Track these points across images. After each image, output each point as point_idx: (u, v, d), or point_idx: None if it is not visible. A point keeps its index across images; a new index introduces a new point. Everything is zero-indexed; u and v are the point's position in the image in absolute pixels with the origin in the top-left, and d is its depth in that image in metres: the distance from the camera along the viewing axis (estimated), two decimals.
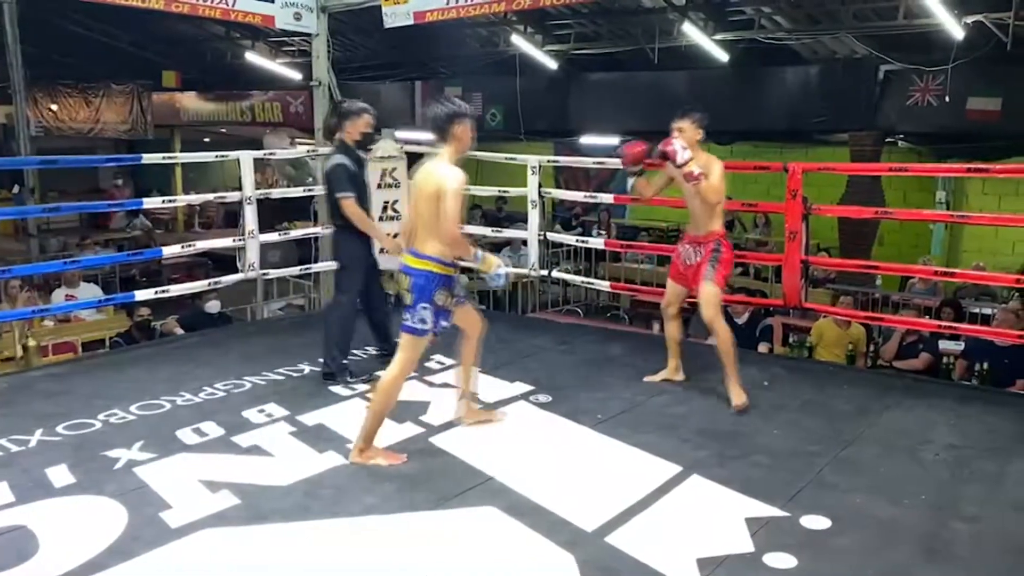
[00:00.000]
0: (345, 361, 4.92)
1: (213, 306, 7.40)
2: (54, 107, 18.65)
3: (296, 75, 15.22)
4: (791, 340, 7.60)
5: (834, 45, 10.83)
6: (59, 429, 4.12)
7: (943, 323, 6.23)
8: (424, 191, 3.69)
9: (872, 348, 6.95)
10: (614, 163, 6.90)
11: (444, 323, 3.82)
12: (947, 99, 9.59)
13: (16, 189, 15.48)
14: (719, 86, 11.93)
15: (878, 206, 8.64)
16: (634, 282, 9.55)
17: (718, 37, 10.95)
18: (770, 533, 3.11)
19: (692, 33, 10.69)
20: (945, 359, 6.61)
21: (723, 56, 11.34)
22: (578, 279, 7.45)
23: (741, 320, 7.13)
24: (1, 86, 15.36)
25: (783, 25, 10.57)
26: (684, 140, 4.47)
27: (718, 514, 3.28)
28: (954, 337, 6.58)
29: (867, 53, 10.22)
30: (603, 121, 12.98)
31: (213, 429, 4.12)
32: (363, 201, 4.90)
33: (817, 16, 10.19)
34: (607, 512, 3.24)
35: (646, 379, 4.89)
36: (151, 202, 7.53)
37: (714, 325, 4.58)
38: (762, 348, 6.96)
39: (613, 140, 13.51)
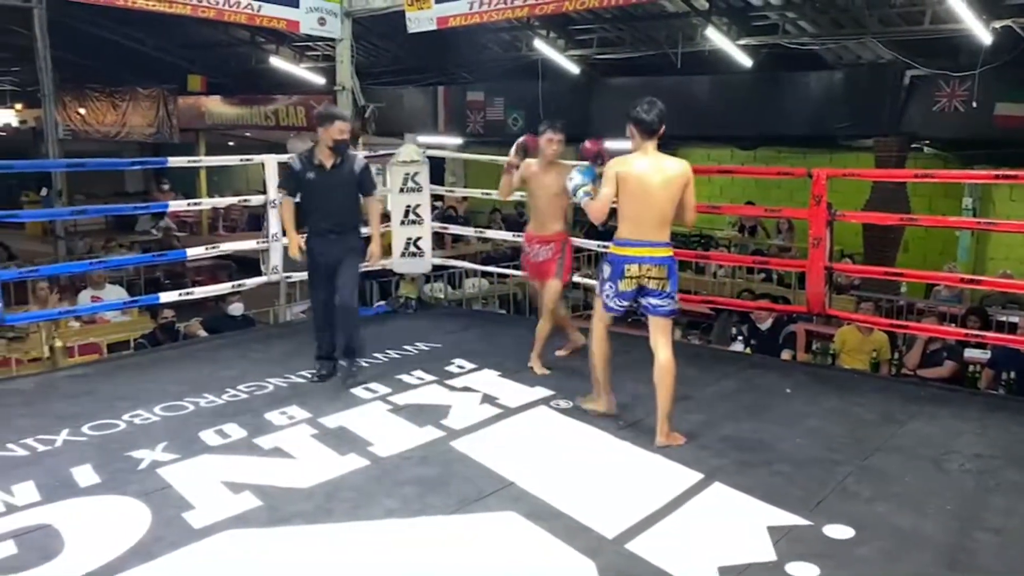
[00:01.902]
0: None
1: (236, 308, 7.46)
2: (82, 111, 18.94)
3: (320, 79, 15.32)
4: (814, 347, 7.55)
5: (859, 50, 10.75)
6: (84, 429, 4.17)
7: (969, 331, 6.16)
8: (674, 182, 4.01)
9: (896, 356, 6.88)
10: None
11: None
12: (974, 104, 9.49)
13: (44, 192, 15.71)
14: (742, 91, 11.89)
15: (903, 212, 8.57)
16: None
17: (742, 42, 10.91)
18: (792, 542, 3.08)
19: (715, 38, 10.66)
20: (971, 368, 6.54)
21: (747, 61, 11.30)
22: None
23: (764, 326, 7.09)
24: (31, 90, 15.62)
25: (807, 30, 10.52)
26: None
27: (740, 522, 3.25)
28: (980, 345, 6.50)
29: (892, 58, 10.13)
30: (625, 126, 12.94)
31: (235, 431, 4.15)
32: (316, 205, 4.84)
33: (842, 21, 10.12)
34: (628, 519, 3.23)
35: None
36: (176, 205, 7.62)
37: (546, 313, 5.12)
38: (785, 355, 6.92)
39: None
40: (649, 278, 4.01)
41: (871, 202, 10.06)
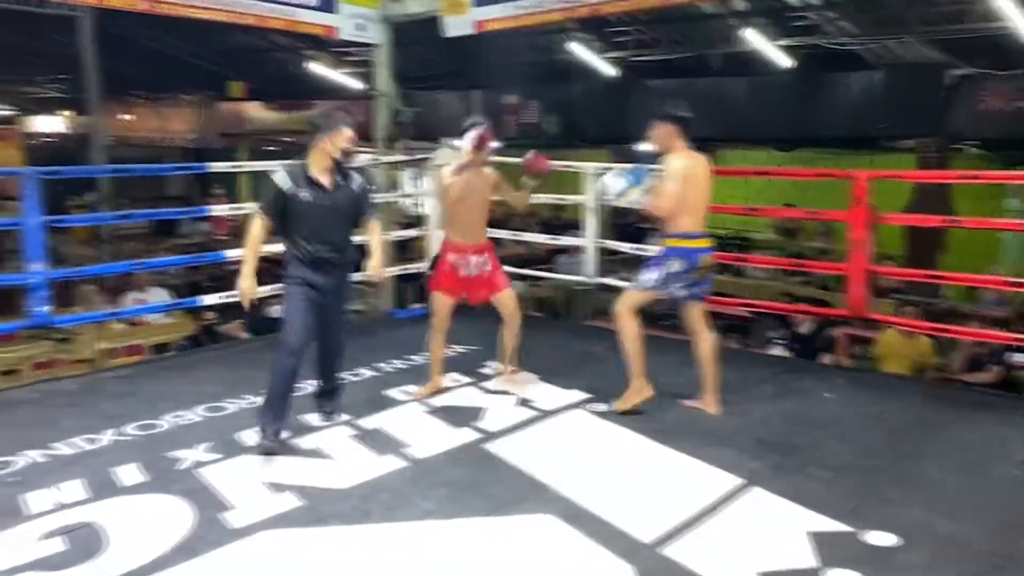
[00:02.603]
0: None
1: (276, 311, 7.55)
2: (126, 117, 19.34)
3: (357, 84, 15.48)
4: (854, 351, 7.45)
5: (900, 49, 10.60)
6: (129, 429, 4.26)
7: (1015, 335, 6.03)
8: (709, 177, 4.32)
9: (940, 360, 6.76)
10: None
11: None
12: (1019, 104, 9.29)
13: (89, 196, 16.02)
14: (781, 92, 11.79)
15: (946, 214, 8.42)
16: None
17: (780, 43, 10.82)
18: (833, 548, 3.04)
19: (754, 39, 10.58)
20: (1017, 372, 6.40)
21: (785, 62, 11.20)
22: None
23: (803, 330, 7.01)
24: (78, 97, 15.97)
25: (848, 30, 10.38)
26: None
27: (779, 527, 3.22)
28: None
29: (935, 57, 9.97)
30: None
31: None
32: (310, 229, 3.99)
33: (883, 20, 9.98)
34: (665, 523, 3.21)
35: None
36: (217, 209, 7.73)
37: (517, 318, 4.81)
38: (825, 359, 6.84)
39: None
40: (708, 266, 4.35)
41: (913, 204, 9.90)
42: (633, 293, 4.42)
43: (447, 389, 4.84)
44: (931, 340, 6.68)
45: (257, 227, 4.00)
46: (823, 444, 4.06)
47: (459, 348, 5.71)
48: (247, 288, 3.99)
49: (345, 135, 3.98)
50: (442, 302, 4.70)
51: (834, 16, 10.19)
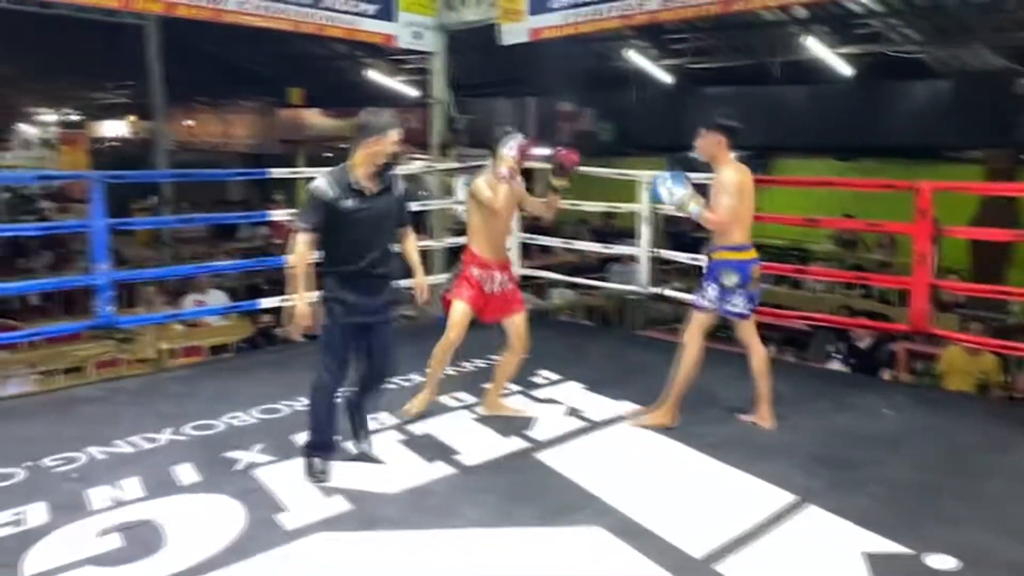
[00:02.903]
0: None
1: None
2: (189, 123, 19.85)
3: (413, 92, 15.64)
4: (916, 367, 7.25)
5: (967, 57, 10.31)
6: (186, 429, 4.34)
7: None
8: (753, 189, 4.25)
9: (1006, 379, 6.54)
10: None
11: None
12: None
13: (153, 200, 16.47)
14: (842, 100, 11.58)
15: (1014, 227, 8.15)
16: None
17: (842, 50, 10.62)
18: (890, 569, 2.96)
19: (814, 47, 10.41)
20: None
21: (847, 70, 10.98)
22: (690, 297, 7.30)
23: (863, 344, 6.85)
24: (143, 103, 16.43)
25: (912, 37, 10.14)
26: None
27: (834, 546, 3.14)
28: None
29: (1003, 66, 9.67)
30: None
31: None
32: (353, 241, 3.66)
33: (949, 28, 9.72)
34: (717, 539, 3.16)
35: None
36: (276, 214, 7.86)
37: (525, 343, 4.54)
38: (885, 375, 6.67)
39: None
40: (758, 278, 4.31)
41: (979, 216, 9.60)
42: (699, 317, 4.35)
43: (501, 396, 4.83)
44: (997, 357, 6.46)
45: (303, 244, 3.62)
46: (882, 461, 3.95)
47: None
48: (302, 313, 3.65)
49: (393, 137, 3.67)
50: (464, 314, 4.41)
51: (898, 23, 9.97)
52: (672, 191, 4.29)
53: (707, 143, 4.25)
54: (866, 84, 11.30)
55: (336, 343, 3.72)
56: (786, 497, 3.52)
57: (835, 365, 7.17)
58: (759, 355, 4.40)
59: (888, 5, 9.72)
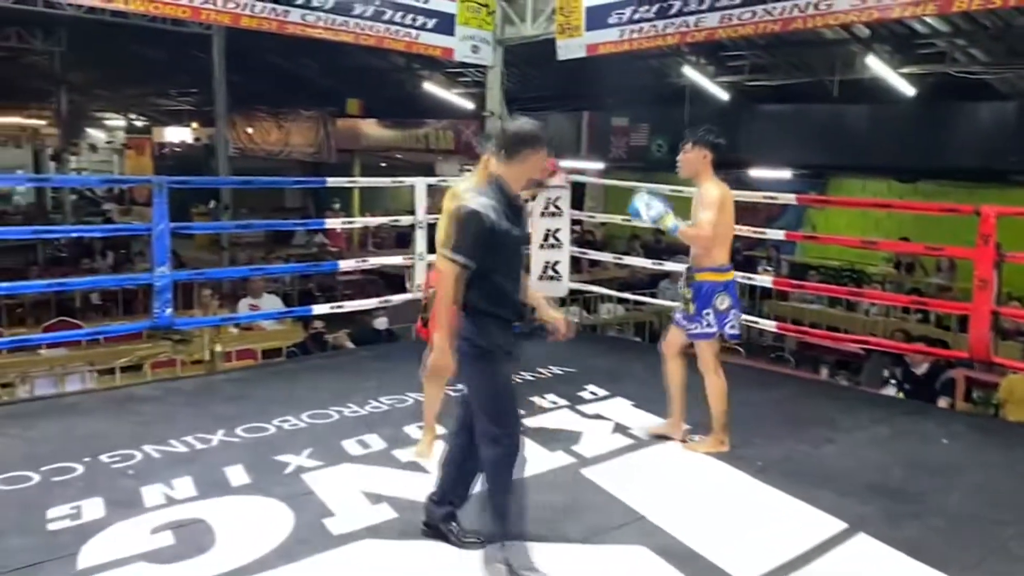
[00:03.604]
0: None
1: (381, 323, 7.73)
2: (249, 130, 20.30)
3: (469, 105, 15.77)
4: (975, 396, 7.04)
5: None
6: (238, 431, 4.42)
7: None
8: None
9: None
10: (786, 198, 6.71)
11: None
12: None
13: (212, 204, 16.89)
14: (903, 121, 11.36)
15: None
16: (802, 323, 9.20)
17: (905, 70, 10.43)
18: None
19: (876, 66, 10.24)
20: None
21: (909, 90, 10.78)
22: (742, 317, 7.20)
23: (920, 370, 6.68)
24: (206, 110, 16.86)
25: (979, 58, 9.91)
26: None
27: None
28: None
29: None
30: (774, 154, 12.62)
31: (376, 442, 4.29)
32: (510, 274, 3.11)
33: (1018, 48, 9.48)
34: (764, 564, 3.10)
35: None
36: (332, 223, 8.00)
37: None
38: (942, 403, 6.49)
39: (785, 174, 13.11)
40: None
41: None
42: (709, 345, 4.24)
43: (544, 410, 4.82)
44: None
45: (457, 281, 2.98)
46: (940, 492, 3.85)
47: (555, 369, 5.70)
48: (445, 364, 3.10)
49: (544, 154, 3.15)
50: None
51: (964, 43, 9.76)
52: (650, 205, 4.18)
53: (693, 158, 4.16)
54: (929, 104, 11.07)
55: (507, 398, 3.12)
56: (836, 524, 3.45)
57: (890, 391, 7.01)
58: (715, 384, 4.25)
59: (954, 25, 9.52)
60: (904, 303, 9.73)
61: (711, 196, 4.09)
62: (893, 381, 7.16)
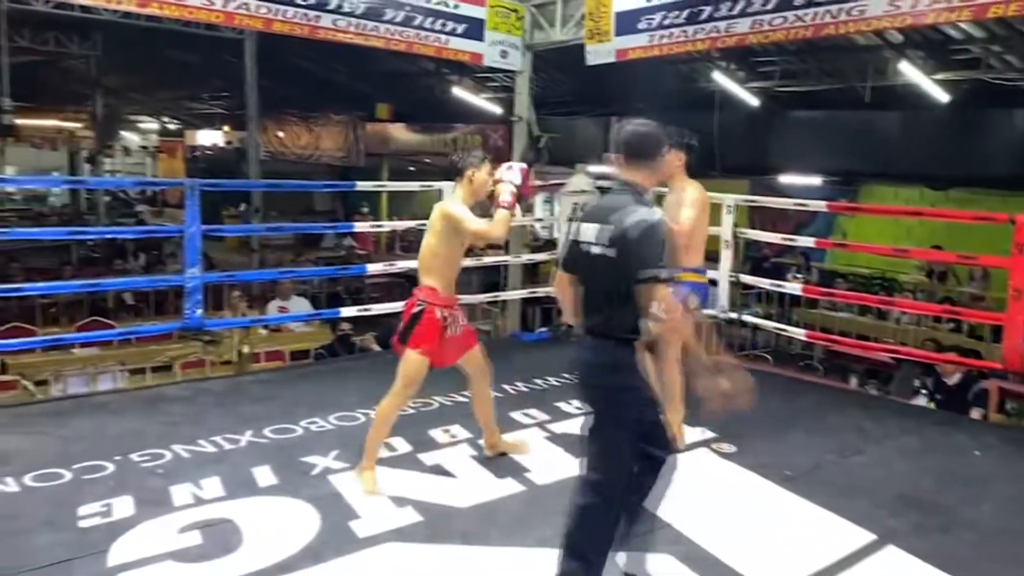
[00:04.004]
0: None
1: None
2: (280, 133, 20.49)
3: (497, 109, 15.80)
4: (1008, 407, 6.92)
5: None
6: (266, 432, 4.46)
7: None
8: None
9: None
10: (816, 205, 6.65)
11: None
12: None
13: (243, 207, 17.06)
14: (937, 128, 11.21)
15: None
16: (831, 331, 9.10)
17: (938, 76, 10.28)
18: None
19: (909, 72, 10.11)
20: None
21: (943, 96, 10.63)
22: (771, 324, 7.17)
23: (952, 381, 6.58)
24: (238, 113, 17.04)
25: (1014, 65, 9.75)
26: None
27: None
28: None
29: None
30: (805, 160, 12.52)
31: (401, 445, 4.31)
32: None
33: None
34: (790, 575, 3.07)
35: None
36: (361, 226, 8.05)
37: (488, 370, 4.11)
38: (975, 414, 6.38)
39: (815, 180, 12.99)
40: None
41: None
42: None
43: (568, 416, 4.81)
44: None
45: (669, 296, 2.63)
46: (972, 505, 3.79)
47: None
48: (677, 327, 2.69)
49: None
50: (422, 366, 3.82)
51: (999, 50, 9.61)
52: None
53: (668, 160, 3.93)
54: (962, 111, 10.91)
55: (632, 444, 2.82)
56: (865, 536, 3.41)
57: (920, 401, 6.91)
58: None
59: (989, 31, 9.39)
60: (936, 312, 9.59)
61: (692, 196, 4.13)
62: (924, 391, 7.06)
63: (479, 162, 3.90)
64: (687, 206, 4.10)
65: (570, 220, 3.16)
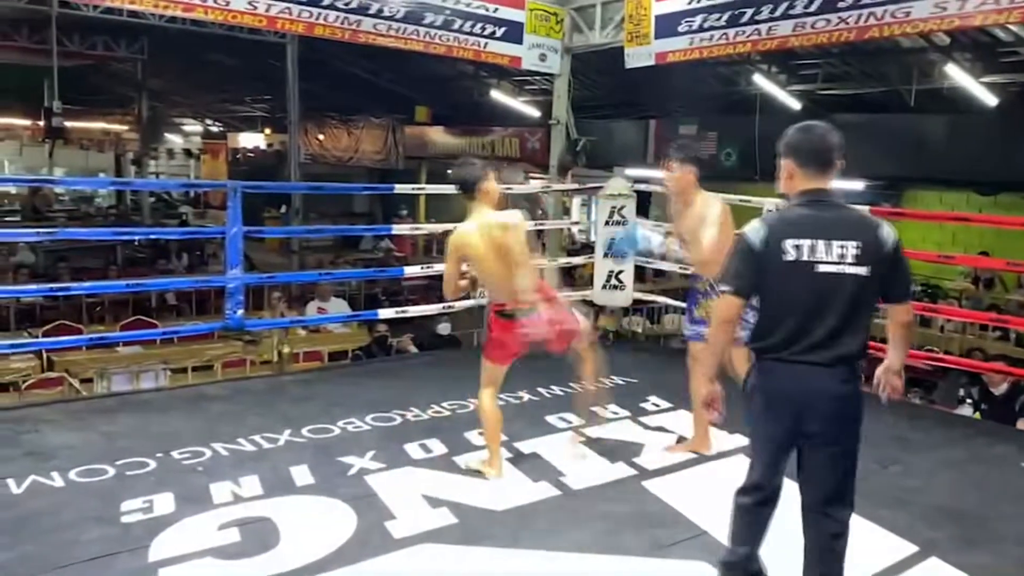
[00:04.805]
0: None
1: (444, 328, 7.81)
2: (320, 136, 20.69)
3: (535, 112, 15.81)
4: None
5: None
6: (304, 431, 4.51)
7: None
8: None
9: None
10: (860, 210, 6.53)
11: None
12: None
13: (283, 209, 17.26)
14: (984, 131, 10.96)
15: None
16: (873, 338, 8.93)
17: (986, 79, 10.07)
18: None
19: (956, 75, 9.92)
20: None
21: (990, 99, 10.41)
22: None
23: (998, 391, 6.43)
24: (279, 116, 17.25)
25: None
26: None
27: None
28: None
29: None
30: (847, 164, 12.25)
31: (437, 446, 4.33)
32: None
33: None
34: None
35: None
36: (399, 229, 8.10)
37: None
38: (1022, 425, 6.23)
39: (858, 185, 12.79)
40: None
41: None
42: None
43: (607, 421, 4.79)
44: None
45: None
46: (1016, 518, 3.70)
47: (617, 380, 5.66)
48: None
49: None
50: (498, 374, 4.06)
51: None
52: (649, 237, 4.35)
53: (681, 177, 4.14)
54: (1010, 114, 10.68)
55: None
56: (907, 547, 3.35)
57: (965, 410, 6.76)
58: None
59: None
60: (982, 320, 9.39)
61: (714, 212, 4.07)
62: (969, 401, 6.90)
63: (484, 171, 3.91)
64: (710, 224, 4.05)
65: (764, 239, 2.72)
